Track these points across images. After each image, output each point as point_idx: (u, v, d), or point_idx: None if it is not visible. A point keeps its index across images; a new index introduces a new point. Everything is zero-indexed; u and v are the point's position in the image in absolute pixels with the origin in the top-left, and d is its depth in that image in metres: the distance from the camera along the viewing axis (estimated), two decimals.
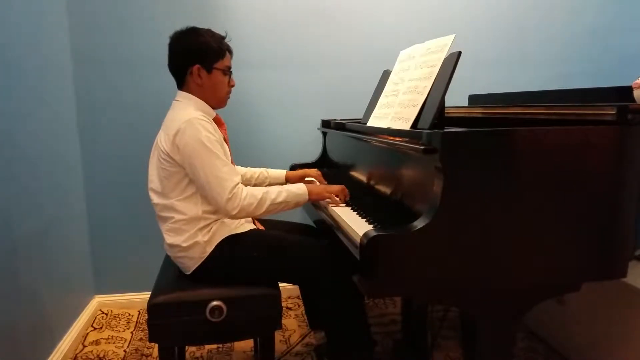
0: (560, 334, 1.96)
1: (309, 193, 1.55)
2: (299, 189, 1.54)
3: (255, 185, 1.96)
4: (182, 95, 1.54)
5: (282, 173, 2.01)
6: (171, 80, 1.58)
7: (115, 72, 2.28)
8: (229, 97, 1.63)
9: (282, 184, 2.00)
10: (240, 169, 1.93)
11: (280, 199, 1.48)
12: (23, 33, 1.78)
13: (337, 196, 1.60)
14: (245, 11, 2.35)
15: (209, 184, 1.40)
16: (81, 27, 2.23)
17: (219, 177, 1.40)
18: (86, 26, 2.23)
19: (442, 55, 1.35)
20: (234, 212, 1.42)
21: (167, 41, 1.54)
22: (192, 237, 1.46)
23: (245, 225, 1.57)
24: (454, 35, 1.36)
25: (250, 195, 1.44)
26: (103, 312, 2.40)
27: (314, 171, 1.99)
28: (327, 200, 1.62)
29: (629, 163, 1.17)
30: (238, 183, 1.44)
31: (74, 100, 2.26)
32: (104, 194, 2.36)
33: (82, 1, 2.21)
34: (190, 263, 1.48)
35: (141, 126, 2.30)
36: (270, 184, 1.99)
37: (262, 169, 1.99)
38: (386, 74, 1.82)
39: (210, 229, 1.48)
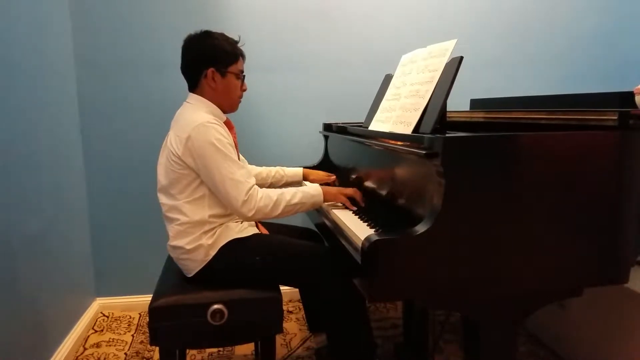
0: (562, 338, 1.96)
1: (325, 194, 1.56)
2: (315, 190, 1.55)
3: (271, 184, 1.97)
4: (194, 98, 1.55)
5: (298, 171, 2.02)
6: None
7: (118, 74, 2.29)
8: (240, 101, 1.64)
9: (299, 182, 2.02)
10: (255, 168, 1.95)
11: (295, 200, 1.49)
12: (25, 35, 1.79)
13: (351, 199, 1.60)
14: (247, 14, 2.35)
15: (225, 187, 1.41)
16: (84, 29, 2.24)
17: (235, 180, 1.41)
18: (89, 28, 2.24)
19: (444, 60, 1.36)
20: (250, 214, 1.42)
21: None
22: (196, 240, 1.46)
23: (249, 230, 1.57)
24: (455, 39, 1.36)
25: (266, 196, 1.44)
26: (104, 315, 2.40)
27: (334, 179, 1.98)
28: (338, 203, 1.61)
29: (631, 168, 1.17)
30: (253, 185, 1.45)
31: (76, 102, 2.26)
32: (105, 196, 2.36)
33: (84, 3, 2.22)
34: (193, 265, 1.49)
35: (143, 128, 2.30)
36: (287, 183, 2.00)
37: (278, 168, 2.00)
38: (388, 78, 1.82)
39: (215, 232, 1.48)
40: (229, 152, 1.43)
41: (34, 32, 1.85)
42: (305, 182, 2.04)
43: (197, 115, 1.46)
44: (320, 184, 1.98)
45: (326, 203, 1.61)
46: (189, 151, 1.42)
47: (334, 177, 2.00)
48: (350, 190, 1.61)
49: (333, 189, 1.61)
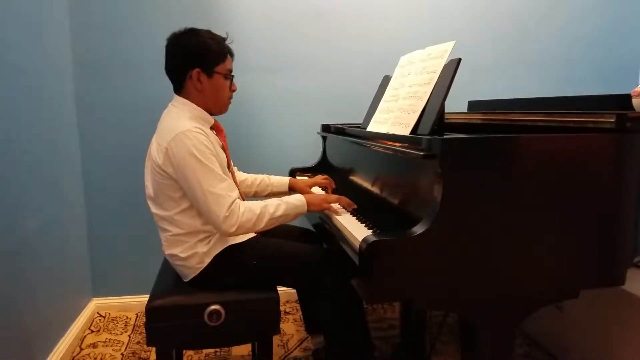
0: (559, 340, 1.96)
1: (308, 204, 1.49)
2: (298, 200, 1.49)
3: (256, 192, 1.90)
4: (179, 101, 1.48)
5: (285, 180, 1.92)
6: (170, 82, 1.56)
7: (115, 74, 2.28)
8: (230, 103, 1.57)
9: (285, 192, 1.92)
10: (241, 175, 1.89)
11: (279, 213, 1.43)
12: (24, 34, 1.78)
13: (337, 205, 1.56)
14: (245, 15, 2.35)
15: (206, 201, 1.34)
16: (82, 29, 2.23)
17: (216, 194, 1.34)
18: (87, 28, 2.23)
19: (443, 61, 1.36)
20: (232, 230, 1.36)
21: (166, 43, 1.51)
22: (190, 248, 1.44)
23: (245, 234, 1.55)
24: (454, 41, 1.36)
25: (249, 210, 1.38)
26: (101, 315, 2.40)
27: (320, 177, 1.93)
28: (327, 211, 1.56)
29: (628, 170, 1.17)
30: (235, 199, 1.38)
31: (73, 102, 2.26)
32: (102, 196, 2.35)
33: (83, 3, 2.21)
34: (189, 272, 1.48)
35: (141, 128, 2.28)
36: (272, 192, 1.90)
37: (264, 176, 1.91)
38: (386, 80, 1.82)
39: (210, 240, 1.46)
40: (210, 163, 1.35)
41: (31, 31, 1.85)
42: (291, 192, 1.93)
43: (179, 122, 1.39)
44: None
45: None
46: (169, 161, 1.36)
47: (322, 182, 1.92)
48: (334, 197, 1.56)
49: (317, 198, 1.54)
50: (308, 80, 2.45)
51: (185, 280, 1.50)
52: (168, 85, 1.55)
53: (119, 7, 2.25)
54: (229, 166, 1.55)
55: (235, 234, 1.40)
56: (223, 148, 1.52)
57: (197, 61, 1.44)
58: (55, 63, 2.08)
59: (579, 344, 1.84)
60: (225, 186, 1.37)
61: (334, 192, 1.90)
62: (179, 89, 1.50)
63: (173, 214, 1.43)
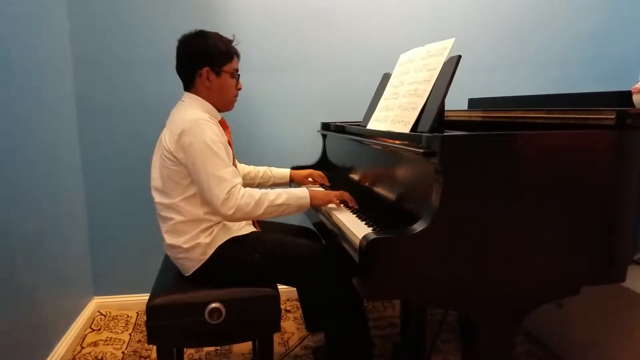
0: (559, 337, 1.96)
1: (312, 198, 1.52)
2: (302, 192, 1.52)
3: (259, 184, 1.98)
4: (189, 97, 1.55)
5: (286, 172, 2.02)
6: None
7: (115, 73, 2.28)
8: (236, 100, 1.63)
9: (286, 183, 2.02)
10: (245, 167, 1.95)
11: (280, 201, 1.45)
12: (24, 34, 1.78)
13: (341, 202, 1.58)
14: (246, 14, 2.35)
15: (208, 184, 1.39)
16: (82, 28, 2.23)
17: (219, 177, 1.39)
18: (87, 27, 2.23)
19: (442, 59, 1.36)
20: (230, 212, 1.39)
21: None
22: (193, 238, 1.45)
23: (246, 228, 1.57)
24: (453, 38, 1.36)
25: (248, 195, 1.41)
26: (101, 314, 2.40)
27: (318, 173, 2.00)
28: (330, 205, 1.59)
29: (628, 167, 1.17)
30: (237, 184, 1.42)
31: (74, 101, 2.26)
32: (103, 195, 2.36)
33: (83, 2, 2.21)
34: (191, 264, 1.48)
35: (141, 127, 2.30)
36: (274, 183, 2.00)
37: (266, 168, 2.00)
38: (386, 77, 1.82)
39: (212, 231, 1.48)
40: (218, 150, 1.41)
41: (32, 30, 1.85)
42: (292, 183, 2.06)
43: (192, 111, 1.46)
44: (308, 186, 1.99)
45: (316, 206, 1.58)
46: (181, 146, 1.41)
47: (317, 172, 2.02)
48: (337, 193, 1.58)
49: (320, 192, 1.58)
50: (308, 79, 2.45)
51: (187, 275, 1.51)
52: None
53: (118, 7, 2.24)
54: (233, 162, 1.58)
55: (234, 217, 1.41)
56: (229, 143, 1.55)
57: (207, 61, 1.52)
58: (55, 63, 2.07)
59: (580, 340, 1.84)
60: (230, 171, 1.42)
61: (327, 188, 1.97)
62: (189, 87, 1.57)
63: (178, 201, 1.45)
